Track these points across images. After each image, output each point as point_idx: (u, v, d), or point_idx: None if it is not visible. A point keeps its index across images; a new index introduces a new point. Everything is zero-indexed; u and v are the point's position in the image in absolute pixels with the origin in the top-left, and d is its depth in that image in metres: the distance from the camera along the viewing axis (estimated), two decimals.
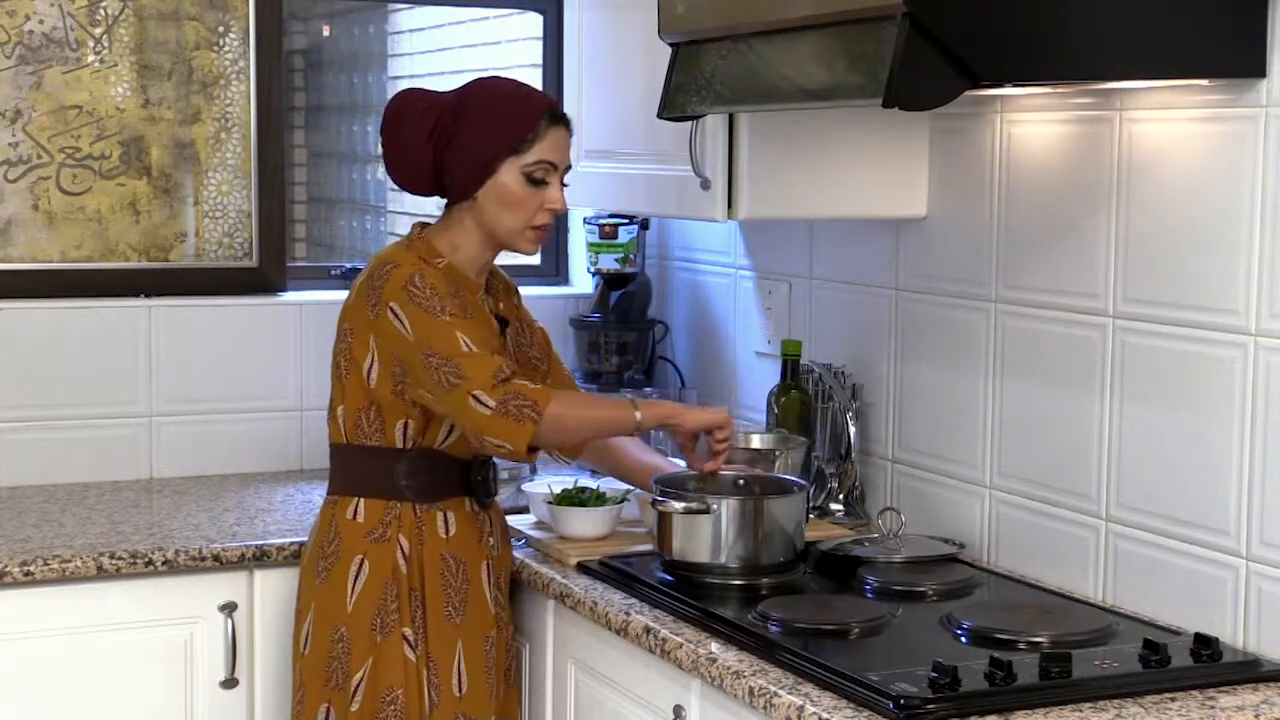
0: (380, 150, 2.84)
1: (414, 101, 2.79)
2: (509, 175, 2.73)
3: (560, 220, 4.07)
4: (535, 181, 2.74)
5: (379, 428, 2.75)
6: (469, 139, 2.73)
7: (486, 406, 2.60)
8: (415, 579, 2.76)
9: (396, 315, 2.66)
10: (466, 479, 2.79)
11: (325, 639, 2.76)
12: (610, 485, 3.09)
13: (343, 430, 2.79)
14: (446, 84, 2.86)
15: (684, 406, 2.87)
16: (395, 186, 2.89)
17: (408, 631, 2.74)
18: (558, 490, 3.04)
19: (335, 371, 2.79)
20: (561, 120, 2.78)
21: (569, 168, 2.81)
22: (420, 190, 2.82)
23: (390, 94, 5.51)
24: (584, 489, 3.04)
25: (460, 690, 2.77)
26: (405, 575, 2.75)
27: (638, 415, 2.71)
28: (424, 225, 2.82)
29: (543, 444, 2.67)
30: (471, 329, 2.66)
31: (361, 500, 2.77)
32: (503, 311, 2.88)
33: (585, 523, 2.98)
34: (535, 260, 4.10)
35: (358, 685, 2.73)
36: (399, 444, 2.75)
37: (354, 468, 2.79)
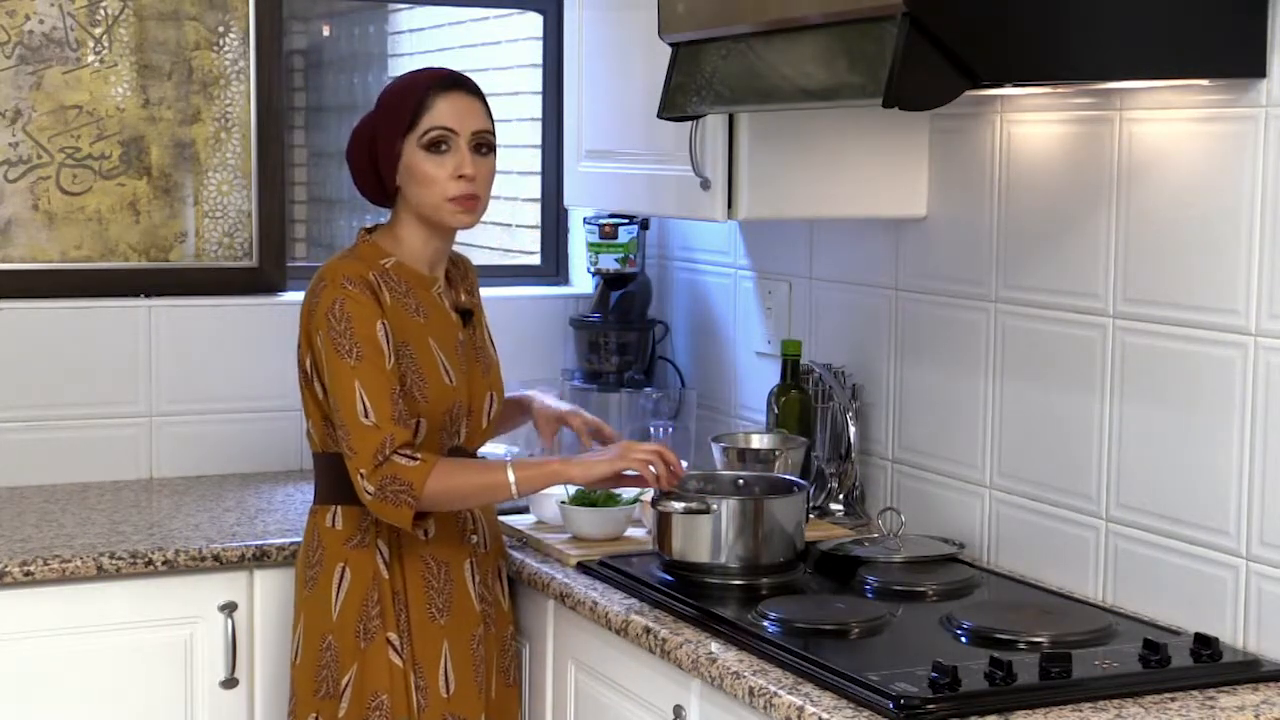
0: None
1: (359, 122, 2.82)
2: (410, 153, 2.73)
3: (561, 220, 4.08)
4: (438, 151, 2.72)
5: None
6: (379, 134, 2.75)
7: (367, 492, 2.62)
8: (397, 582, 2.76)
9: (321, 346, 2.68)
10: None
11: (314, 648, 2.76)
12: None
13: (316, 440, 2.79)
14: None
15: (571, 461, 2.73)
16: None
17: (392, 636, 2.74)
18: (570, 491, 3.03)
19: (299, 382, 2.80)
20: (456, 85, 2.75)
21: (485, 133, 2.75)
22: (383, 202, 2.84)
23: None
24: (595, 489, 3.03)
25: (448, 691, 2.76)
26: (387, 579, 2.75)
27: (511, 479, 2.66)
28: (371, 229, 2.82)
29: (427, 512, 2.68)
30: (374, 377, 2.64)
31: (339, 508, 2.77)
32: (467, 303, 2.87)
33: (597, 523, 2.97)
34: (535, 260, 4.10)
35: (344, 691, 2.73)
36: None
37: (331, 476, 2.78)
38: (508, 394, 2.99)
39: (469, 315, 2.85)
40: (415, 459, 2.62)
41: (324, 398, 2.73)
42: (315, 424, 2.78)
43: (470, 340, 2.83)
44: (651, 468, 2.69)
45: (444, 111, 2.72)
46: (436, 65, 2.84)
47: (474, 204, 2.75)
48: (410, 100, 2.73)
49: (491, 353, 2.90)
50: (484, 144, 2.76)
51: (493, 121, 2.79)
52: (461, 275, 2.91)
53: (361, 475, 2.62)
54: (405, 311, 2.73)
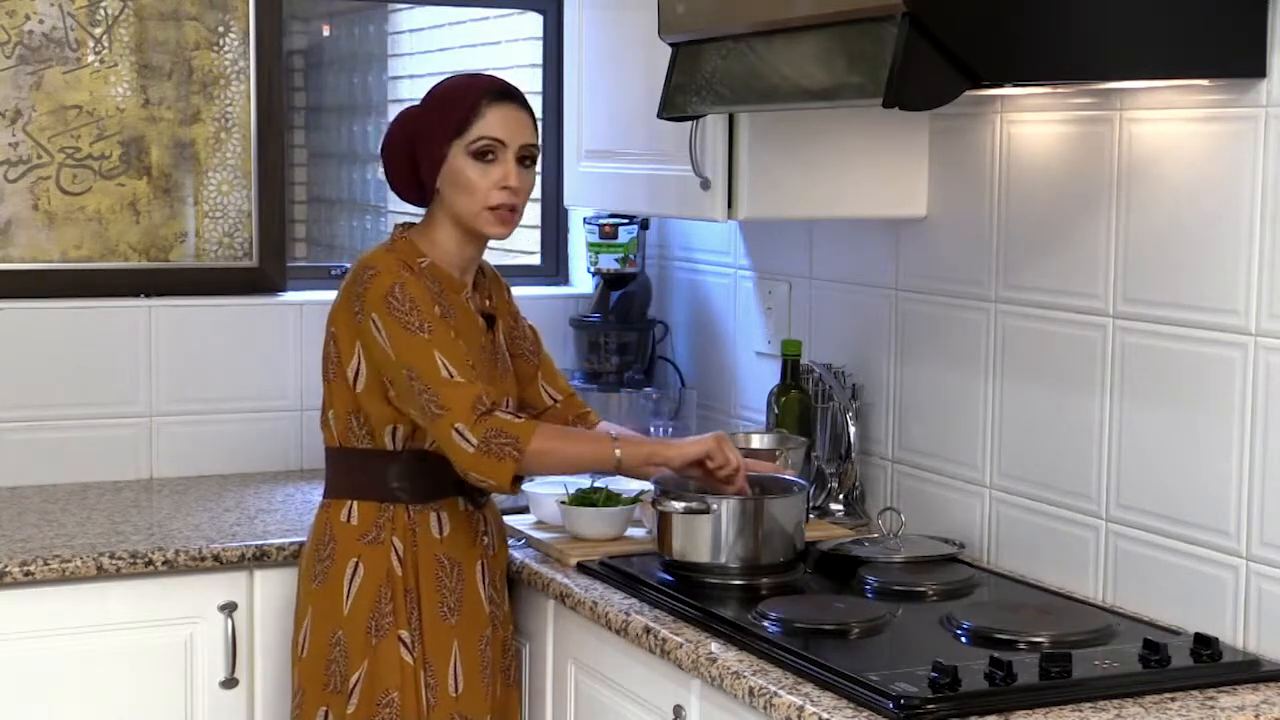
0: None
1: (397, 120, 2.83)
2: (457, 158, 2.73)
3: (561, 220, 4.08)
4: (484, 160, 2.73)
5: (368, 431, 2.76)
6: (424, 135, 2.75)
7: (469, 443, 2.60)
8: (410, 580, 2.76)
9: (378, 328, 2.67)
10: (459, 479, 2.79)
11: (323, 642, 2.77)
12: (620, 485, 3.08)
13: (335, 434, 2.79)
14: None
15: (668, 442, 2.82)
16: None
17: (404, 633, 2.74)
18: (571, 490, 3.04)
19: (324, 375, 2.80)
20: (508, 97, 2.76)
21: (531, 146, 2.77)
22: (417, 201, 2.85)
23: (390, 94, 5.51)
24: (595, 489, 3.04)
25: (456, 690, 2.77)
26: (400, 577, 2.75)
27: (617, 453, 2.70)
28: (407, 226, 2.83)
29: (523, 476, 2.68)
30: (450, 347, 2.66)
31: (355, 503, 2.78)
32: (490, 309, 2.88)
33: (598, 522, 2.97)
34: (535, 260, 4.10)
35: (354, 688, 2.73)
36: (390, 446, 2.75)
37: (347, 471, 2.80)
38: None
39: (492, 320, 2.86)
40: (519, 416, 2.65)
41: (363, 389, 2.72)
42: (339, 416, 2.77)
43: (492, 345, 2.84)
44: (734, 474, 2.73)
45: (495, 122, 2.74)
46: (487, 72, 2.84)
47: (511, 215, 2.77)
48: (462, 105, 2.73)
49: (508, 359, 2.91)
50: (528, 157, 2.78)
51: (537, 135, 2.81)
52: (490, 283, 2.92)
53: (458, 430, 2.61)
54: (442, 312, 2.73)
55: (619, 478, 3.08)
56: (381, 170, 2.89)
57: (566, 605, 2.79)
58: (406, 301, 2.67)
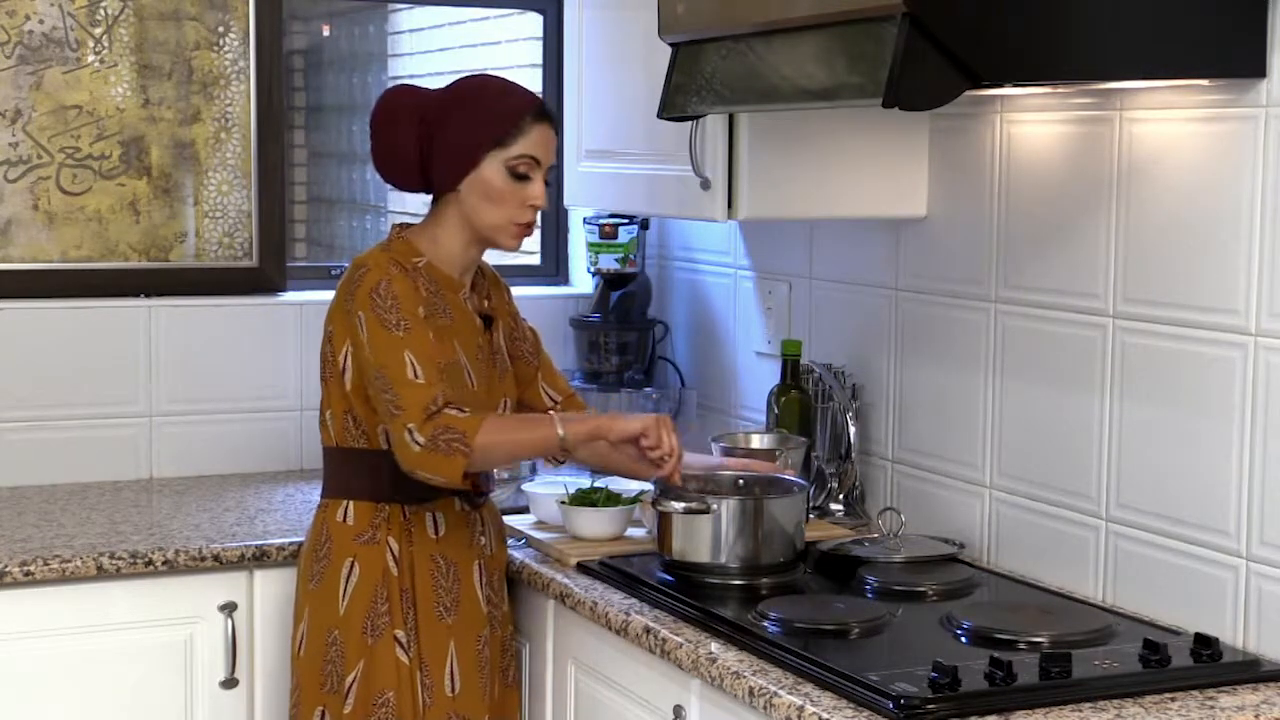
0: (369, 146, 2.83)
1: (402, 97, 2.80)
2: (491, 169, 2.73)
3: (560, 220, 4.08)
4: (518, 176, 2.74)
5: (364, 431, 2.76)
6: (454, 132, 2.74)
7: (417, 443, 2.60)
8: (406, 580, 2.76)
9: (362, 325, 2.68)
10: None
11: (319, 642, 2.77)
12: (620, 485, 3.08)
13: (332, 434, 2.80)
14: (446, 84, 2.86)
15: (613, 418, 2.77)
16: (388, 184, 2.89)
17: (399, 633, 2.74)
18: (571, 490, 3.04)
19: (321, 374, 2.80)
20: (547, 117, 2.78)
21: (553, 166, 2.81)
22: (407, 186, 2.83)
23: None
24: (595, 489, 3.03)
25: (453, 690, 2.77)
26: (395, 577, 2.75)
27: (560, 432, 2.67)
28: (405, 225, 2.82)
29: (475, 471, 2.67)
30: (423, 347, 2.66)
31: (351, 503, 2.78)
32: (489, 310, 2.88)
33: (597, 523, 2.97)
34: (535, 260, 4.10)
35: (350, 688, 2.73)
36: (385, 446, 2.75)
37: (344, 471, 2.80)
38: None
39: (489, 321, 2.86)
40: (465, 411, 2.63)
41: (350, 388, 2.72)
42: (336, 416, 2.77)
43: (489, 345, 2.84)
44: (666, 457, 2.68)
45: (537, 140, 2.75)
46: (525, 85, 2.83)
47: (529, 231, 2.81)
48: (506, 117, 2.73)
49: (507, 360, 2.91)
50: (549, 176, 2.81)
51: None
52: (489, 284, 2.92)
53: (410, 430, 2.60)
54: (435, 311, 2.74)
55: (616, 477, 3.08)
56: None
57: (566, 605, 2.79)
58: (389, 299, 2.67)
